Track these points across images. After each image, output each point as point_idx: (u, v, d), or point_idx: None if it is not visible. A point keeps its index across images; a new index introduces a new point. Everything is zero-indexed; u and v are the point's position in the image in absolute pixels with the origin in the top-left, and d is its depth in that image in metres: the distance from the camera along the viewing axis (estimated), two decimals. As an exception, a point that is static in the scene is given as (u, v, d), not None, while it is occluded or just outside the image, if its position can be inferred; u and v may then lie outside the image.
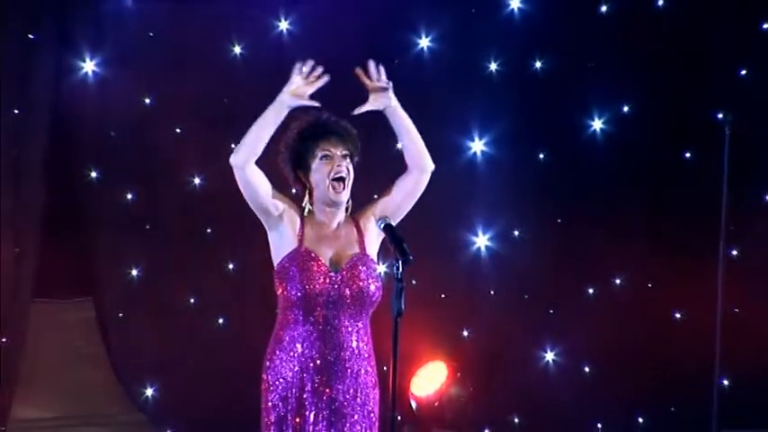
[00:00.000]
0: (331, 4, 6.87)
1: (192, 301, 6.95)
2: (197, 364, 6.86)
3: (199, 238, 6.75)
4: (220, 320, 6.94)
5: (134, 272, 6.91)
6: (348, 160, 4.21)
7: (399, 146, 6.90)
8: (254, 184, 4.14)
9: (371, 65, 4.30)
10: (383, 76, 4.32)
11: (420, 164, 4.35)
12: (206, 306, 6.94)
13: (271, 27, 6.94)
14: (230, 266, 6.87)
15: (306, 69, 4.12)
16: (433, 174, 7.14)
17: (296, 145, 4.24)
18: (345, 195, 4.20)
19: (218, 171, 6.70)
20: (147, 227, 6.83)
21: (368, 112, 6.74)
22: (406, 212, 4.35)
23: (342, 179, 4.17)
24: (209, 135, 6.86)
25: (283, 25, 6.94)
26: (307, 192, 4.24)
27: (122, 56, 6.75)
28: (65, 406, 7.33)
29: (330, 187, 4.17)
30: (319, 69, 4.12)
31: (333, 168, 4.17)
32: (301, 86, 4.11)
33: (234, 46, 6.91)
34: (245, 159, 4.10)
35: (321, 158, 4.19)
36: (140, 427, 7.13)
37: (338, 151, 4.20)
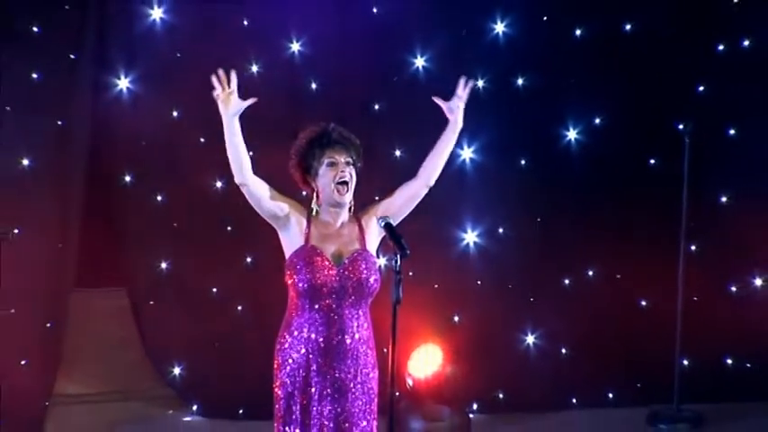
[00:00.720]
0: (337, 29, 6.87)
1: (214, 290, 6.95)
2: (218, 345, 6.88)
3: (220, 235, 6.75)
4: (239, 307, 6.95)
5: (163, 265, 6.91)
6: (351, 166, 4.22)
7: (398, 153, 7.01)
8: (258, 194, 4.16)
9: (463, 80, 4.38)
10: (464, 93, 4.39)
11: (429, 176, 4.39)
12: (226, 295, 6.95)
13: (284, 48, 6.94)
14: (248, 260, 6.88)
15: (216, 83, 4.04)
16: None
17: (305, 153, 4.25)
18: (348, 197, 4.21)
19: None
20: (175, 225, 6.83)
21: (370, 120, 6.83)
22: (405, 215, 4.35)
23: (345, 183, 4.19)
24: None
25: (295, 47, 6.93)
26: (314, 194, 4.24)
27: (153, 74, 6.75)
28: (102, 382, 7.35)
29: (335, 190, 4.18)
30: (221, 74, 4.04)
31: (337, 173, 4.18)
32: (226, 97, 4.05)
33: (251, 65, 6.90)
34: (241, 174, 4.12)
35: (327, 165, 4.20)
36: (169, 402, 7.13)
37: (342, 158, 4.20)
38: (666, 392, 7.10)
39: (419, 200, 4.40)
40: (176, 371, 7.01)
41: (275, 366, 4.20)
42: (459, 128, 4.43)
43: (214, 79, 4.05)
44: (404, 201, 4.36)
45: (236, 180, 4.17)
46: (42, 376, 6.52)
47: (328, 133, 4.23)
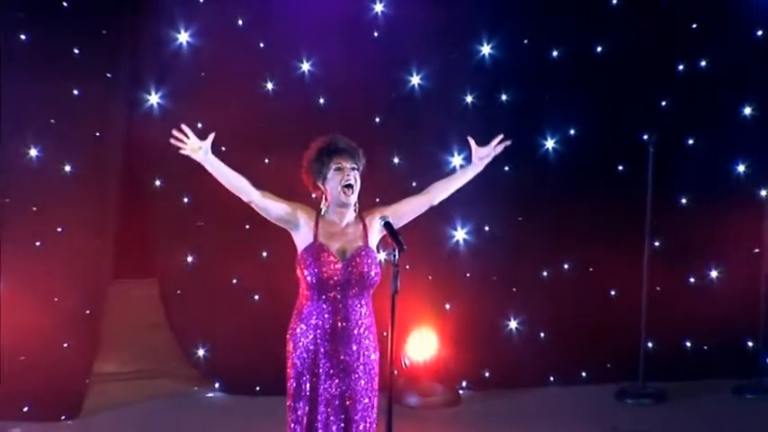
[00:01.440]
0: (342, 50, 6.86)
1: (234, 281, 6.94)
2: (238, 330, 6.85)
3: (239, 232, 6.71)
4: (256, 297, 6.94)
5: (189, 258, 6.90)
6: (355, 172, 4.22)
7: (396, 160, 7.00)
8: (265, 207, 4.18)
9: (499, 138, 4.43)
10: (498, 148, 4.45)
11: (435, 198, 4.43)
12: (245, 285, 6.93)
13: (295, 68, 6.93)
14: (263, 255, 6.86)
15: (176, 143, 4.10)
16: (423, 181, 7.16)
17: (315, 160, 4.25)
18: (353, 198, 4.21)
19: (256, 179, 6.66)
20: (200, 223, 6.81)
21: (371, 131, 6.81)
22: (404, 222, 4.32)
23: (350, 185, 4.19)
24: (247, 152, 6.80)
25: (305, 67, 6.93)
26: (323, 197, 4.23)
27: (180, 91, 6.74)
28: (135, 362, 7.38)
29: (341, 192, 4.18)
30: (176, 134, 4.09)
31: (343, 177, 4.18)
32: (191, 148, 4.11)
33: (267, 82, 6.90)
34: (245, 195, 4.18)
35: (334, 170, 4.19)
36: (194, 380, 7.14)
37: (348, 164, 4.19)
38: (633, 371, 7.10)
39: (420, 213, 4.40)
40: (200, 352, 7.00)
41: (288, 349, 4.19)
42: (479, 168, 4.48)
43: (174, 141, 4.07)
44: (407, 210, 4.36)
45: (245, 200, 4.18)
46: (82, 357, 6.51)
47: (335, 143, 4.24)
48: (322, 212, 4.23)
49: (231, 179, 4.17)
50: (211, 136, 4.12)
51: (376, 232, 4.24)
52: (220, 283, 6.90)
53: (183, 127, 4.09)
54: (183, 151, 4.10)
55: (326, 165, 4.20)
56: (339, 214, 4.22)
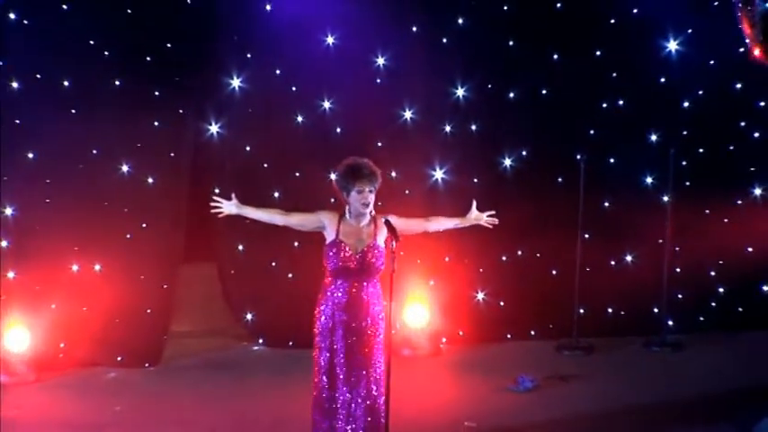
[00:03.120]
0: (354, 92, 6.90)
1: (273, 264, 6.99)
2: (276, 300, 6.91)
3: (277, 228, 6.57)
4: (290, 275, 6.98)
5: (240, 247, 6.95)
6: (372, 193, 4.23)
7: (393, 174, 7.04)
8: (296, 225, 4.30)
9: (491, 214, 4.53)
10: (483, 218, 4.55)
11: (430, 228, 4.49)
12: (282, 267, 6.97)
13: (318, 106, 6.97)
14: (296, 244, 6.89)
15: (216, 209, 4.26)
16: (413, 189, 7.19)
17: (343, 177, 4.24)
18: (368, 209, 4.24)
19: (289, 188, 6.79)
20: (247, 221, 6.82)
21: (374, 153, 6.80)
22: (406, 234, 4.32)
23: (367, 204, 4.22)
24: (283, 167, 6.92)
25: (326, 104, 6.97)
26: (347, 204, 4.25)
27: (234, 122, 6.80)
28: (199, 324, 7.42)
29: (360, 206, 4.22)
30: (215, 204, 4.26)
31: (362, 197, 4.20)
32: (227, 207, 4.25)
33: (297, 116, 6.94)
34: (280, 223, 4.30)
35: (356, 191, 4.22)
36: (243, 337, 7.17)
37: (367, 188, 4.21)
38: (568, 330, 7.14)
39: (416, 233, 4.44)
40: (248, 316, 7.05)
41: (315, 315, 4.27)
42: (471, 222, 4.55)
43: (214, 211, 4.24)
44: (408, 227, 4.37)
45: (280, 225, 4.30)
46: (161, 319, 6.59)
47: (360, 169, 4.21)
48: (345, 216, 4.26)
49: (265, 217, 4.29)
50: (233, 195, 4.26)
51: (383, 231, 4.26)
52: (264, 266, 6.96)
53: (216, 198, 4.24)
54: (221, 215, 4.24)
55: (351, 184, 4.20)
56: (357, 219, 4.26)
